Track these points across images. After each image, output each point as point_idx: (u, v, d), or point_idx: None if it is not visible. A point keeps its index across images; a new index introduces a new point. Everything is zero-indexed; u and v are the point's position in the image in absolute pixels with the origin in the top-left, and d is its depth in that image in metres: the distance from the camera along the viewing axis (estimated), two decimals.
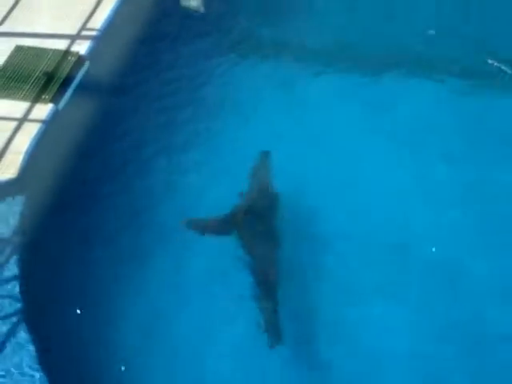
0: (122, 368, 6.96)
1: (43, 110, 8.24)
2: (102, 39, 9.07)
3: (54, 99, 8.34)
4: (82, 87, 8.69)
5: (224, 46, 9.89)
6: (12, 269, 7.20)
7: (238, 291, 7.38)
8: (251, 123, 8.98)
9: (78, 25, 9.18)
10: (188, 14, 10.10)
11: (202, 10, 9.76)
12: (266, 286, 7.22)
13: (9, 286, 7.08)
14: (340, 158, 8.58)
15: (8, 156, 7.83)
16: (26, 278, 7.18)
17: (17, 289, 7.06)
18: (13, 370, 6.57)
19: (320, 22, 10.19)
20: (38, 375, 6.55)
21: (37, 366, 6.58)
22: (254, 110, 9.10)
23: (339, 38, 10.00)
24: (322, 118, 9.00)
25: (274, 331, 7.00)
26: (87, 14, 9.31)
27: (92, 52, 8.92)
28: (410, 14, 10.20)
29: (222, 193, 8.19)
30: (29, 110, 8.22)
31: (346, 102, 9.12)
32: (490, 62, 9.46)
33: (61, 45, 8.90)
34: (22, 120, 8.13)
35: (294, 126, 8.93)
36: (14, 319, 6.87)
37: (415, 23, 10.05)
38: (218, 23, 10.09)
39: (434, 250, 7.78)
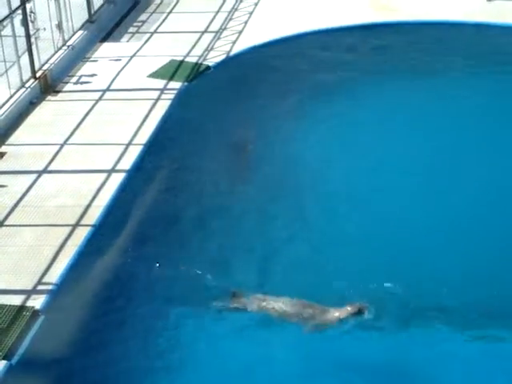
0: None
1: None
2: (58, 293, 9.18)
3: (8, 355, 8.28)
4: (36, 341, 8.65)
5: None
6: None
7: None
8: None
9: (34, 279, 9.32)
10: None
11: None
12: None
13: None
14: None
15: None
16: None
17: None
18: None
19: None
20: None
21: None
22: None
23: None
24: None
25: None
26: (43, 268, 9.49)
27: (47, 306, 8.98)
28: None
29: None
30: None
31: None
32: None
33: (16, 300, 8.98)
34: None
35: None
36: None
37: None
38: None
39: None
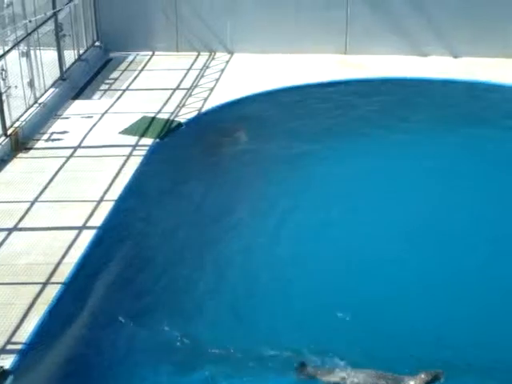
0: None
1: None
2: (28, 353, 9.01)
3: None
4: None
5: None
6: None
7: None
8: None
9: (3, 339, 9.16)
10: None
11: None
12: None
13: None
14: None
15: None
16: None
17: None
18: None
19: None
20: None
21: None
22: None
23: None
24: None
25: None
26: (13, 327, 9.35)
27: (17, 366, 8.81)
28: None
29: None
30: None
31: None
32: None
33: None
34: None
35: None
36: None
37: None
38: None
39: None
